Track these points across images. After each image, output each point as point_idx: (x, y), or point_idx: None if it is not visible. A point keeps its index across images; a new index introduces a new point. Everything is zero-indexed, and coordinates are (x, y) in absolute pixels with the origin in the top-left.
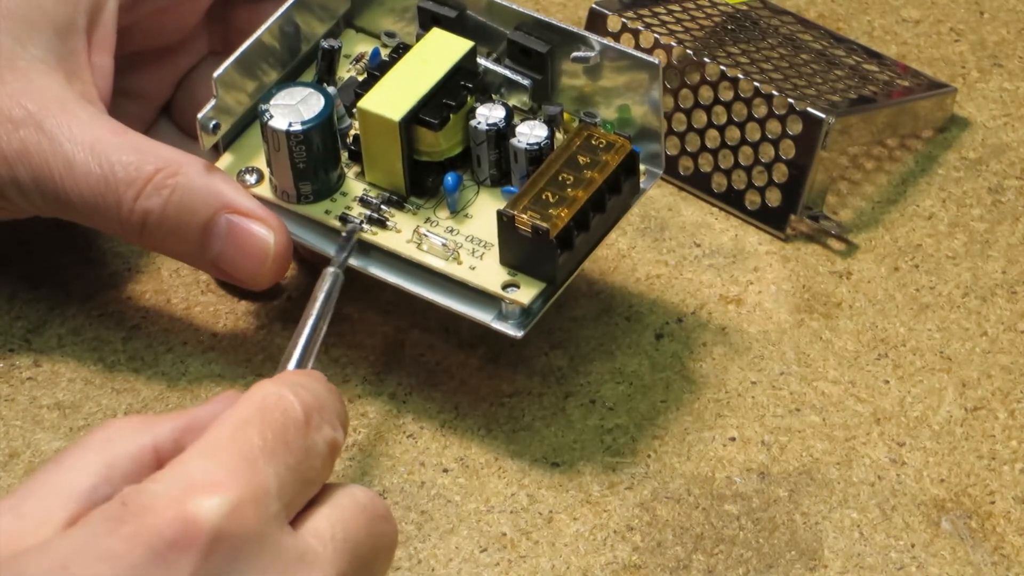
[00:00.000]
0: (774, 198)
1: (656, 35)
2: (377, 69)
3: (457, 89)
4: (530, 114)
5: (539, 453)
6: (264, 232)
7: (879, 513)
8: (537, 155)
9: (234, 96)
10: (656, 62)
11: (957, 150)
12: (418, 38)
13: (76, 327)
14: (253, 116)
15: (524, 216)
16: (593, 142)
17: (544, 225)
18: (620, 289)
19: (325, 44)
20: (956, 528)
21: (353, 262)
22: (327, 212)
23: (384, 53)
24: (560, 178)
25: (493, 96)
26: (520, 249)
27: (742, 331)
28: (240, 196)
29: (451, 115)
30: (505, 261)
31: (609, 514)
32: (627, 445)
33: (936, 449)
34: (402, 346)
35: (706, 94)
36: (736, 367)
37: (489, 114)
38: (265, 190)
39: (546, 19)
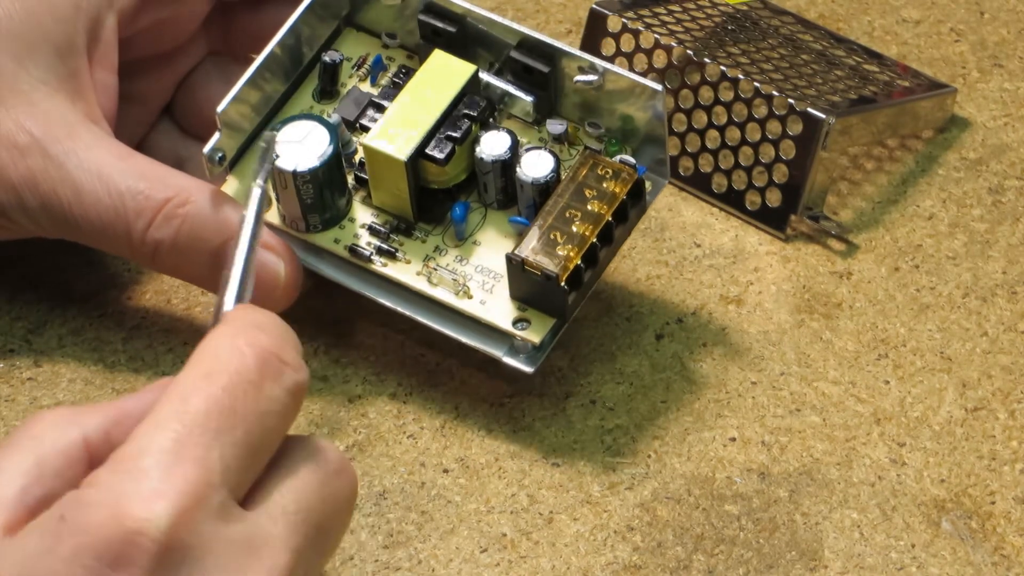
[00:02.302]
0: (774, 198)
1: (656, 35)
2: (382, 97)
3: (461, 120)
4: (534, 126)
5: (539, 453)
6: (274, 261)
7: (879, 513)
8: (544, 188)
9: (239, 110)
10: (660, 88)
11: (957, 150)
12: (419, 48)
13: (76, 327)
14: (261, 129)
15: (533, 260)
16: (599, 171)
17: (554, 271)
18: (620, 289)
19: (327, 58)
20: (956, 528)
21: (366, 292)
22: (336, 241)
23: (385, 56)
24: (567, 214)
25: (496, 113)
26: (530, 287)
27: (742, 331)
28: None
29: (456, 147)
30: (515, 295)
31: (609, 514)
32: (627, 445)
33: (936, 449)
34: (402, 346)
35: (706, 94)
36: (736, 367)
37: (494, 144)
38: (274, 216)
39: (548, 41)
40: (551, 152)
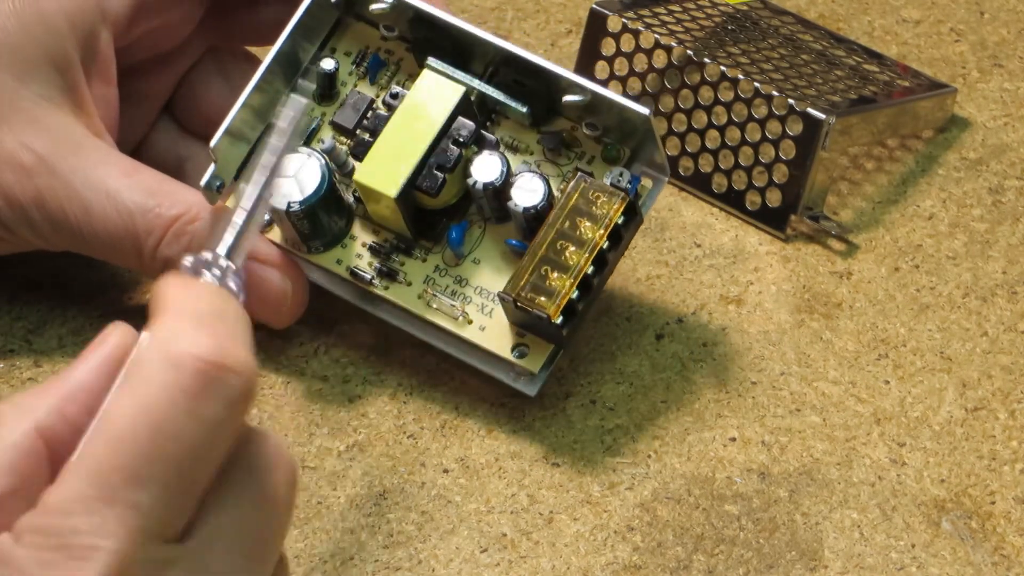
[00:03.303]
0: (774, 198)
1: (656, 35)
2: (374, 123)
3: (451, 148)
4: (532, 129)
5: (539, 453)
6: (281, 279)
7: (879, 513)
8: (535, 215)
9: (242, 117)
10: (646, 112)
11: (957, 150)
12: (412, 49)
13: (76, 327)
14: (264, 136)
15: (524, 298)
16: (591, 196)
17: (545, 312)
18: (620, 289)
19: (323, 66)
20: (956, 528)
21: (370, 309)
22: (339, 262)
23: (383, 48)
24: (559, 244)
25: (494, 115)
26: (525, 319)
27: (742, 331)
28: (256, 241)
29: (447, 176)
30: (513, 321)
31: (609, 514)
32: (627, 445)
33: (936, 449)
34: (402, 346)
35: (706, 94)
36: (736, 367)
37: (485, 169)
38: (278, 235)
39: (536, 62)
40: (542, 177)
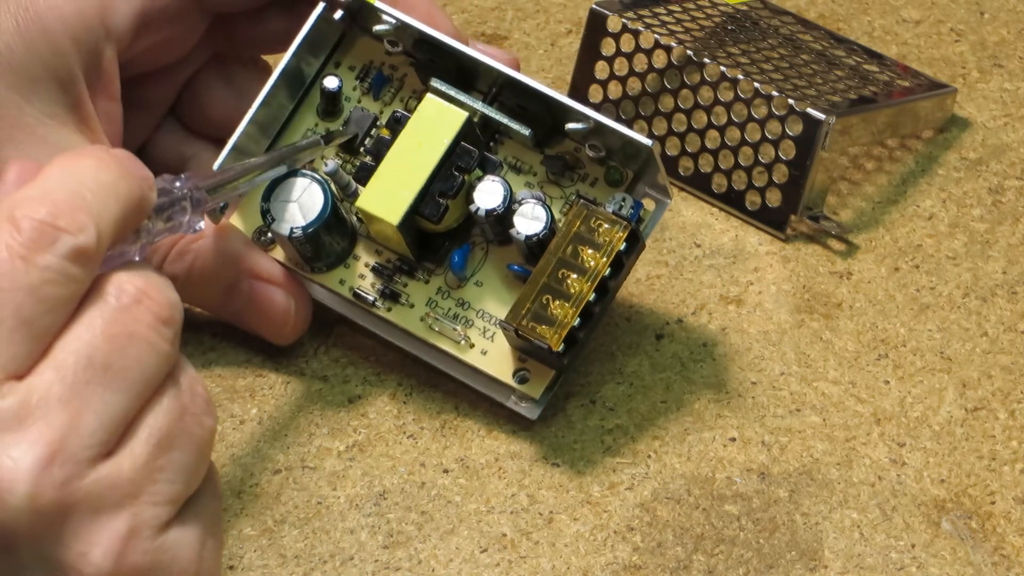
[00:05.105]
0: (774, 198)
1: (656, 35)
2: (377, 146)
3: (453, 175)
4: (536, 151)
5: (539, 453)
6: (284, 297)
7: (879, 513)
8: (538, 243)
9: (248, 132)
10: (649, 143)
11: (957, 150)
12: (416, 67)
13: None
14: (270, 150)
15: (526, 326)
16: (592, 223)
17: (546, 343)
18: (620, 289)
19: (326, 84)
20: (956, 528)
21: (373, 328)
22: (341, 282)
23: (388, 64)
24: (561, 273)
25: (497, 135)
26: (527, 346)
27: (742, 331)
28: (260, 260)
29: (449, 203)
30: (514, 346)
31: (609, 514)
32: (627, 445)
33: (936, 449)
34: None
35: (706, 94)
36: (736, 367)
37: (488, 195)
38: (281, 253)
39: (538, 89)
40: (544, 205)
